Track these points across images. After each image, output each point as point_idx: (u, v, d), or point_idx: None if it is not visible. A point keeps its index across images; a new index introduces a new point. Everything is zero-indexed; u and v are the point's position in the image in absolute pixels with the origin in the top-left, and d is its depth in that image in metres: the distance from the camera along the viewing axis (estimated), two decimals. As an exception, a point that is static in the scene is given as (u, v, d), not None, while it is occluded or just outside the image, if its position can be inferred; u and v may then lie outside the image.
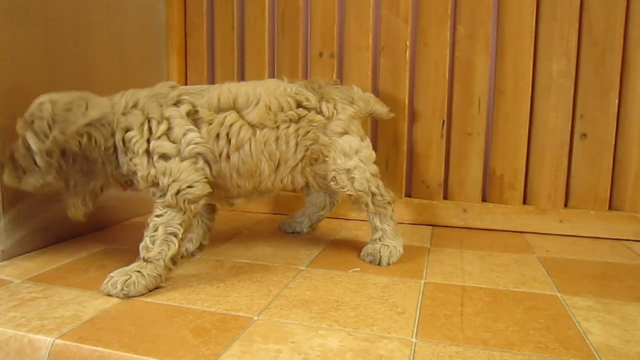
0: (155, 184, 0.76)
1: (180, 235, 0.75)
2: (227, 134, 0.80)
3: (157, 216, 0.75)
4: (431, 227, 1.16)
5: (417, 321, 0.65)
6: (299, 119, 0.86)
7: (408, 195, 1.20)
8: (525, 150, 1.11)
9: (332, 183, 0.89)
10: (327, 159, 0.88)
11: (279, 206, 1.27)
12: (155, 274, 0.73)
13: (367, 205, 0.91)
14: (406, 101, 1.16)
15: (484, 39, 1.11)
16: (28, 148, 0.75)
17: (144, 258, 0.74)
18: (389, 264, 0.88)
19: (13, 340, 0.60)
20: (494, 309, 0.69)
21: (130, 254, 0.92)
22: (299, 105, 0.86)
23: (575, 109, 1.08)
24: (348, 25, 1.18)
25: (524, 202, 1.14)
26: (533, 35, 1.08)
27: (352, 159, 0.89)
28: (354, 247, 0.99)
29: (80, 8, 1.01)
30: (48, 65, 0.94)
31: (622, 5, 1.03)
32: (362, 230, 1.12)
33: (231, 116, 0.81)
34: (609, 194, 1.09)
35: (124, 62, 1.14)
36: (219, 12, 1.27)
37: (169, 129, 0.77)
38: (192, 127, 0.78)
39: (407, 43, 1.15)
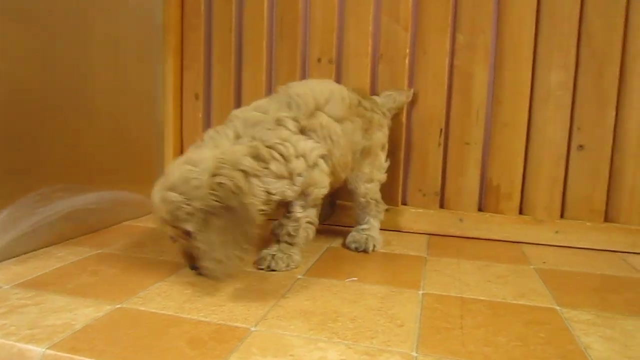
0: (304, 194, 0.86)
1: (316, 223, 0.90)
2: (329, 134, 0.89)
3: (298, 213, 0.87)
4: (427, 235, 1.15)
5: (417, 334, 0.64)
6: (363, 115, 0.97)
7: (404, 203, 1.20)
8: (522, 161, 1.11)
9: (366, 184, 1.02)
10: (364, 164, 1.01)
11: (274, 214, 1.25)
12: (299, 255, 0.89)
13: (369, 212, 1.04)
14: (404, 109, 1.15)
15: (484, 49, 1.11)
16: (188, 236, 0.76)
17: (287, 242, 0.88)
18: (374, 251, 1.00)
19: (1, 350, 0.58)
20: (494, 322, 0.68)
21: (122, 258, 0.90)
22: (359, 103, 0.98)
23: (572, 120, 1.09)
24: (347, 32, 1.18)
25: (520, 213, 1.13)
26: (532, 46, 1.08)
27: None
28: (350, 255, 0.97)
29: (77, 7, 0.99)
30: (44, 64, 0.92)
31: (621, 18, 1.04)
32: (358, 238, 1.11)
33: (322, 117, 0.89)
34: (604, 205, 1.09)
35: (120, 62, 1.12)
36: (217, 14, 1.26)
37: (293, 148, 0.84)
38: (306, 138, 0.86)
39: (407, 51, 1.14)
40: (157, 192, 0.76)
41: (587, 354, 0.60)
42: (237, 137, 0.82)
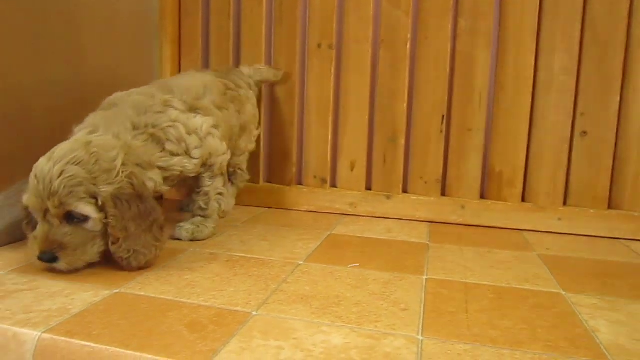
0: (208, 165, 0.91)
1: (225, 193, 0.96)
2: (213, 113, 0.95)
3: (207, 187, 0.93)
4: (428, 223, 1.14)
5: (421, 318, 0.62)
6: (233, 98, 1.04)
7: (405, 191, 1.18)
8: (525, 147, 1.10)
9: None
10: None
11: (274, 200, 1.23)
12: (213, 226, 0.95)
13: (234, 180, 1.12)
14: (405, 95, 1.14)
15: (486, 33, 1.09)
16: (77, 221, 0.72)
17: (201, 215, 0.94)
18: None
19: (-4, 334, 0.56)
20: (499, 307, 0.67)
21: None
22: (227, 88, 1.04)
23: (576, 106, 1.07)
24: (347, 17, 1.16)
25: (523, 200, 1.12)
26: (535, 30, 1.07)
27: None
28: (351, 242, 0.96)
29: None
30: (37, 49, 0.90)
31: (626, 3, 1.02)
32: (358, 225, 1.10)
33: (205, 101, 0.95)
34: (608, 192, 1.08)
35: (115, 47, 1.10)
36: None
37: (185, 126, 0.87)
38: (195, 115, 0.91)
39: (408, 36, 1.12)
40: (51, 164, 0.70)
41: (595, 336, 0.59)
42: (134, 127, 0.81)
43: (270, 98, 1.24)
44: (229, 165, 1.06)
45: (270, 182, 1.26)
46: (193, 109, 0.91)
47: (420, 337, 0.57)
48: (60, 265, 0.71)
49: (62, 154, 0.71)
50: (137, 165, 0.78)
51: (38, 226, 0.72)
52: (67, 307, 0.62)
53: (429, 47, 1.12)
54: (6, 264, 0.77)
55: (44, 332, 0.55)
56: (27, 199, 0.72)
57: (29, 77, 0.88)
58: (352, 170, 1.19)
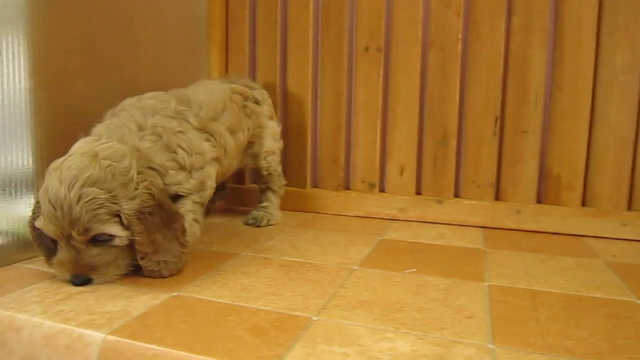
0: (199, 189, 0.84)
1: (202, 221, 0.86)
2: (225, 145, 0.91)
3: (187, 209, 0.81)
4: (481, 229, 1.10)
5: (489, 326, 0.59)
6: (249, 114, 1.02)
7: (457, 195, 1.15)
8: (585, 149, 1.05)
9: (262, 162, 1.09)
10: (262, 141, 1.07)
11: (321, 205, 1.22)
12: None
13: (273, 183, 1.11)
14: (457, 97, 1.11)
15: (541, 31, 1.05)
16: (103, 241, 0.69)
17: None
18: (267, 226, 1.08)
19: (62, 335, 0.57)
20: (571, 315, 0.63)
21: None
22: (245, 100, 1.02)
23: (640, 105, 1.02)
24: (396, 19, 1.14)
25: (583, 204, 1.07)
26: (595, 26, 1.02)
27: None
28: (404, 247, 0.94)
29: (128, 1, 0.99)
30: (92, 53, 0.92)
31: (695, -6, 0.97)
32: (409, 230, 1.07)
33: (220, 126, 0.90)
34: (677, 196, 1.01)
35: (165, 53, 1.12)
36: (262, 6, 1.24)
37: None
38: (204, 138, 0.86)
39: (459, 36, 1.09)
40: (64, 187, 0.65)
41: (683, 349, 0.54)
42: (140, 129, 0.77)
43: (316, 103, 1.23)
44: (261, 168, 1.09)
45: (317, 187, 1.24)
46: (205, 130, 0.85)
47: (491, 346, 0.54)
48: (96, 282, 0.70)
49: (73, 174, 0.66)
50: (151, 168, 0.74)
51: (61, 251, 0.69)
52: (128, 309, 0.62)
53: (481, 47, 1.09)
54: (66, 267, 0.78)
55: (108, 333, 0.55)
56: (44, 225, 0.68)
57: (86, 84, 0.90)
58: (401, 174, 1.16)
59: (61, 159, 0.70)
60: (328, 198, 1.21)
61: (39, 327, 0.58)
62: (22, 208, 0.80)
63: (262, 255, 0.86)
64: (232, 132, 0.94)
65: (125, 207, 0.68)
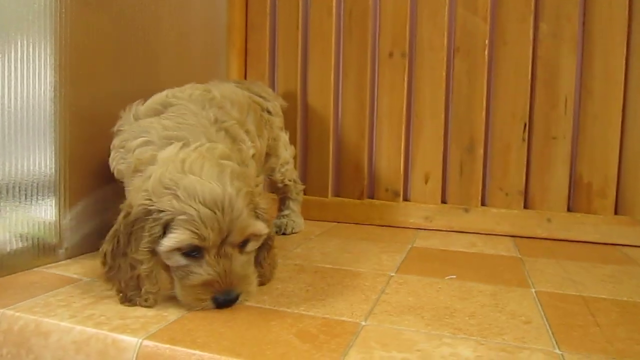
0: None
1: None
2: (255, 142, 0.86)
3: None
4: (511, 238, 1.07)
5: (549, 331, 0.56)
6: (267, 122, 0.97)
7: (484, 204, 1.12)
8: (617, 155, 1.02)
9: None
10: (278, 152, 1.02)
11: (344, 214, 1.19)
12: None
13: (291, 192, 1.07)
14: (484, 103, 1.09)
15: (570, 37, 1.03)
16: (243, 246, 0.61)
17: None
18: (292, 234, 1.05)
19: (94, 340, 0.52)
20: (632, 321, 0.60)
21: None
22: (262, 108, 0.97)
23: (673, 110, 1.00)
24: (421, 24, 1.12)
25: (616, 212, 1.04)
26: (626, 31, 1.00)
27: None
28: (437, 254, 0.90)
29: (149, 6, 0.96)
30: (118, 53, 0.89)
31: None
32: (437, 239, 1.03)
33: (250, 125, 0.85)
34: None
35: (186, 58, 1.09)
36: (282, 13, 1.23)
37: None
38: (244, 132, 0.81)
39: (486, 42, 1.08)
40: (218, 184, 0.57)
41: None
42: (211, 124, 0.71)
43: (338, 110, 1.21)
44: (276, 181, 1.05)
45: (339, 196, 1.21)
46: (242, 126, 0.79)
47: (558, 352, 0.50)
48: (241, 301, 0.60)
49: (216, 171, 0.59)
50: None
51: (207, 265, 0.58)
52: (163, 314, 0.58)
53: (508, 52, 1.07)
54: (89, 271, 0.74)
55: (145, 338, 0.51)
56: (188, 236, 0.56)
57: (110, 85, 0.87)
58: (426, 182, 1.13)
59: (161, 169, 0.59)
60: (350, 207, 1.18)
61: (68, 332, 0.54)
62: (43, 211, 0.76)
63: (292, 262, 0.82)
64: (258, 135, 0.90)
65: (261, 202, 0.62)
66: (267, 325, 0.55)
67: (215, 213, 0.56)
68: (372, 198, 1.18)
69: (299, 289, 0.68)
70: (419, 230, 1.12)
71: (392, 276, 0.75)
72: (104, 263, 0.60)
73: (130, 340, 0.51)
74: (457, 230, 1.10)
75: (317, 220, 1.19)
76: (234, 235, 0.58)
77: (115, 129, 0.76)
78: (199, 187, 0.57)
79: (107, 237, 0.61)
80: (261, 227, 0.61)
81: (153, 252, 0.59)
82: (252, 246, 0.63)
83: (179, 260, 0.59)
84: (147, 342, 0.51)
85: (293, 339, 0.52)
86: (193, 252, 0.58)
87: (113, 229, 0.61)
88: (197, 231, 0.56)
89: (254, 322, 0.56)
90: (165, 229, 0.57)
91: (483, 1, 1.08)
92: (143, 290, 0.59)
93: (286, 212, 1.08)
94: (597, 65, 1.03)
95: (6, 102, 0.71)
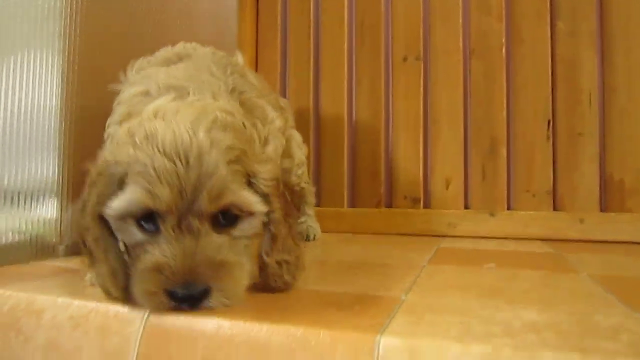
0: None
1: None
2: None
3: None
4: (541, 241, 0.99)
5: (616, 299, 0.48)
6: None
7: (509, 207, 1.05)
8: (648, 151, 0.97)
9: None
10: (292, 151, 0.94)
11: (361, 225, 1.12)
12: None
13: (306, 196, 1.00)
14: (504, 102, 1.05)
15: (589, 35, 1.01)
16: (225, 225, 0.46)
17: None
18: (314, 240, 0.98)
19: (94, 314, 0.45)
20: None
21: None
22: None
23: None
24: (434, 28, 1.11)
25: (652, 210, 0.97)
26: (646, 24, 0.98)
27: None
28: (469, 253, 0.83)
29: (158, 22, 0.95)
30: (126, 60, 0.86)
31: None
32: (464, 243, 0.96)
33: None
34: None
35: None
36: (293, 26, 1.22)
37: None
38: None
39: (502, 41, 1.05)
40: (187, 128, 0.44)
41: None
42: (228, 91, 0.59)
43: (352, 118, 1.17)
44: (292, 185, 0.96)
45: (355, 207, 1.15)
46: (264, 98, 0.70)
47: (638, 314, 0.43)
48: (213, 302, 0.43)
49: (192, 118, 0.45)
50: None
51: (165, 243, 0.43)
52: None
53: (526, 50, 1.05)
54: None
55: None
56: (141, 195, 0.42)
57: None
58: (447, 187, 1.08)
59: (138, 121, 0.46)
60: (368, 216, 1.11)
61: (65, 308, 0.47)
62: (44, 211, 0.72)
63: (310, 259, 0.75)
64: None
65: (261, 170, 0.47)
66: (295, 298, 0.48)
67: (174, 164, 0.42)
68: (390, 207, 1.12)
69: (324, 273, 0.61)
70: (442, 237, 1.05)
71: (425, 266, 0.68)
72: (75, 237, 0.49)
73: (135, 313, 0.44)
74: (484, 236, 1.03)
75: (333, 232, 1.12)
76: (203, 200, 0.42)
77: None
78: (161, 131, 0.43)
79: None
80: (250, 199, 0.45)
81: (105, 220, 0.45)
82: (245, 228, 0.46)
83: (134, 233, 0.45)
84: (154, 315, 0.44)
85: (328, 308, 0.44)
86: (150, 223, 0.44)
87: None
88: (149, 186, 0.42)
89: (281, 296, 0.49)
90: (120, 187, 0.44)
91: (497, 1, 1.06)
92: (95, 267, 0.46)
93: (303, 218, 1.01)
94: (618, 61, 1.00)
95: (9, 106, 0.68)
